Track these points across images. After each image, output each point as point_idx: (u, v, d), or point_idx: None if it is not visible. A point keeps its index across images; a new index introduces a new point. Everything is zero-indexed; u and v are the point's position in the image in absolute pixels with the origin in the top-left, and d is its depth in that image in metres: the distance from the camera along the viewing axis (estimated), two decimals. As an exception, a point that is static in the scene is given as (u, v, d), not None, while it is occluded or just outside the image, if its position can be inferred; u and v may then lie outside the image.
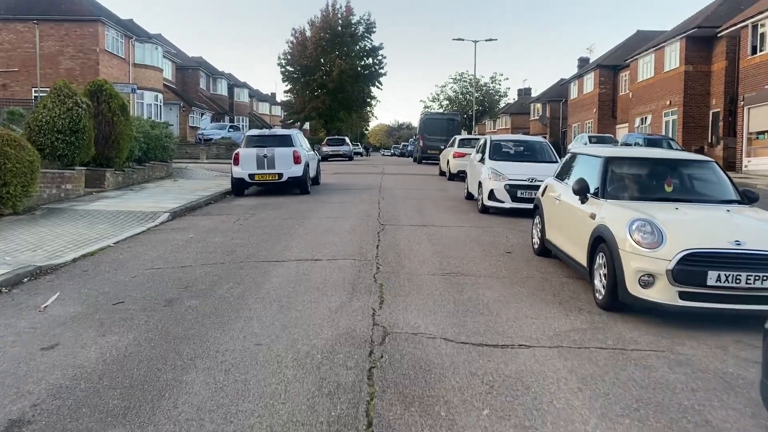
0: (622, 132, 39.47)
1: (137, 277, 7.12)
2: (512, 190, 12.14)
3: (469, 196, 15.00)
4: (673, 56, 31.82)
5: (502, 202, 12.22)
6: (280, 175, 15.49)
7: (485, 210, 12.62)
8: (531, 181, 12.14)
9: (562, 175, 8.43)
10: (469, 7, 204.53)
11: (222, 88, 58.22)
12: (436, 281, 6.91)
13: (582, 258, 6.60)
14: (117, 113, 15.13)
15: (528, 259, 8.30)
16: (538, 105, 58.52)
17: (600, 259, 6.11)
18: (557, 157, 13.51)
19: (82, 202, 13.08)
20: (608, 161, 6.87)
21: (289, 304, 5.98)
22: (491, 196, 12.33)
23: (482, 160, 13.36)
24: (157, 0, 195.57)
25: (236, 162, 15.63)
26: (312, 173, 17.38)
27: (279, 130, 17.36)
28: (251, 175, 15.47)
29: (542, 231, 8.24)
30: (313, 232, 10.20)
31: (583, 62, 52.78)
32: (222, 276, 7.13)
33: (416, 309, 5.83)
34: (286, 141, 16.00)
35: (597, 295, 6.12)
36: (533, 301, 6.24)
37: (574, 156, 8.31)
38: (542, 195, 8.51)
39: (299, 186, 15.94)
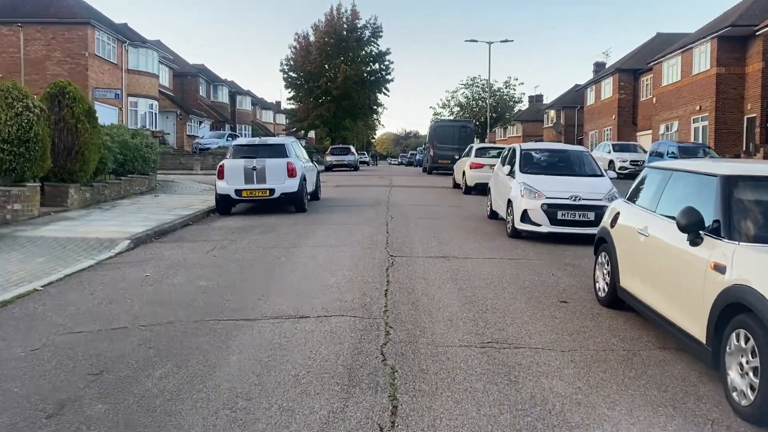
0: (643, 140, 37.16)
1: (40, 351, 4.91)
2: (551, 210, 9.88)
3: (493, 215, 12.75)
4: (703, 58, 29.53)
5: (539, 225, 9.96)
6: (272, 191, 13.28)
7: (516, 234, 10.37)
8: (574, 200, 9.90)
9: (633, 198, 6.21)
10: (477, 13, 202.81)
11: (223, 96, 56.29)
12: (473, 361, 4.65)
13: (696, 329, 4.35)
14: (82, 119, 12.99)
15: (594, 313, 6.02)
16: (552, 112, 56.21)
17: (740, 341, 3.85)
18: (603, 170, 11.26)
19: (32, 226, 10.92)
20: (732, 182, 4.59)
21: (245, 414, 3.74)
22: (524, 217, 10.08)
23: (511, 174, 11.11)
24: (161, 7, 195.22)
25: (221, 175, 13.44)
26: (310, 187, 15.18)
27: (271, 139, 15.15)
28: (238, 191, 13.27)
29: (613, 275, 5.98)
30: (304, 267, 7.97)
31: (599, 67, 50.57)
32: (161, 350, 4.90)
33: (450, 427, 3.57)
34: (278, 151, 13.80)
35: (735, 396, 3.86)
36: (631, 402, 3.97)
37: (655, 172, 6.05)
38: (611, 225, 6.23)
39: (294, 203, 13.74)
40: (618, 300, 5.99)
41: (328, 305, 6.13)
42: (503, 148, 20.36)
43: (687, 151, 23.15)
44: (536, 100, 69.05)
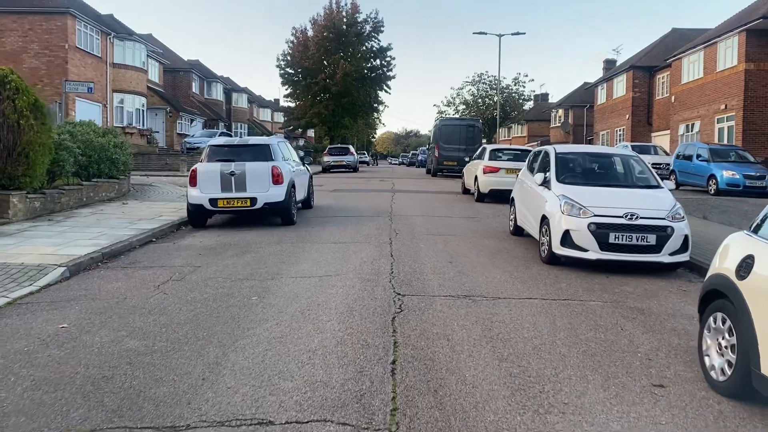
0: (659, 141, 35.08)
1: None
2: (601, 232, 7.75)
3: (518, 231, 10.66)
4: (729, 53, 27.37)
5: (584, 250, 7.83)
6: (253, 201, 11.17)
7: (554, 260, 8.25)
8: (630, 219, 7.77)
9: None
10: (481, 9, 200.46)
11: (217, 93, 54.14)
12: None
13: None
14: (26, 115, 10.86)
15: (715, 412, 3.90)
16: (560, 111, 54.04)
17: None
18: (659, 179, 9.12)
19: (-50, 245, 8.80)
20: None
21: None
22: (566, 240, 7.95)
23: (546, 183, 8.98)
24: (157, 2, 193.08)
25: (193, 182, 11.33)
26: (300, 194, 13.08)
27: (253, 139, 12.99)
28: (213, 201, 11.16)
29: (745, 354, 3.87)
30: (279, 315, 5.85)
31: (610, 64, 48.50)
32: None
33: None
34: (261, 153, 11.67)
35: None
36: None
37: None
38: (738, 274, 4.10)
39: (280, 215, 11.63)
40: (750, 389, 3.89)
41: (305, 396, 4.01)
42: (522, 150, 18.28)
43: (719, 154, 21.06)
44: (541, 98, 66.83)
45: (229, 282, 7.21)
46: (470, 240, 10.36)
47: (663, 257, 7.76)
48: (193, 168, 11.54)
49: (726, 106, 27.57)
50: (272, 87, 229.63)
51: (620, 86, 40.66)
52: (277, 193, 11.29)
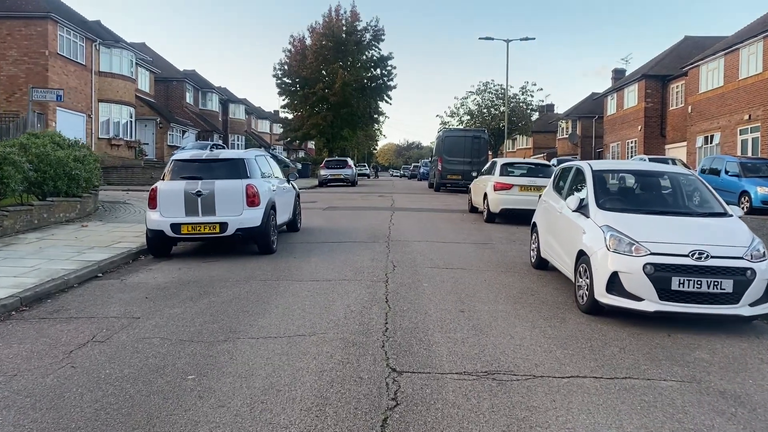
0: (674, 153, 33.22)
1: None
2: (661, 275, 5.89)
3: (541, 264, 8.82)
4: (753, 60, 25.62)
5: (639, 299, 5.96)
6: (224, 226, 9.34)
7: (596, 309, 6.39)
8: (698, 258, 5.92)
9: None
10: (483, 20, 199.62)
11: (213, 104, 52.44)
12: None
13: None
14: (-48, 123, 9.08)
15: None
16: (569, 122, 52.23)
17: None
18: (724, 203, 7.25)
19: None
20: None
21: None
22: (614, 285, 6.09)
23: (582, 209, 7.12)
24: (157, 12, 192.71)
25: (152, 203, 9.52)
26: (283, 217, 11.27)
27: (225, 152, 11.08)
28: (176, 226, 9.32)
29: None
30: (218, 412, 3.99)
31: (619, 74, 46.77)
32: None
33: None
34: (235, 169, 9.84)
35: None
36: None
37: None
38: None
39: (256, 242, 9.81)
40: None
41: None
42: (537, 164, 16.50)
43: (750, 168, 19.16)
44: (547, 109, 65.08)
45: (167, 345, 5.36)
46: (484, 276, 8.51)
47: (742, 309, 5.91)
48: (153, 187, 9.72)
49: (750, 116, 25.78)
50: (272, 98, 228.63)
51: (631, 96, 38.89)
52: (253, 217, 9.47)
